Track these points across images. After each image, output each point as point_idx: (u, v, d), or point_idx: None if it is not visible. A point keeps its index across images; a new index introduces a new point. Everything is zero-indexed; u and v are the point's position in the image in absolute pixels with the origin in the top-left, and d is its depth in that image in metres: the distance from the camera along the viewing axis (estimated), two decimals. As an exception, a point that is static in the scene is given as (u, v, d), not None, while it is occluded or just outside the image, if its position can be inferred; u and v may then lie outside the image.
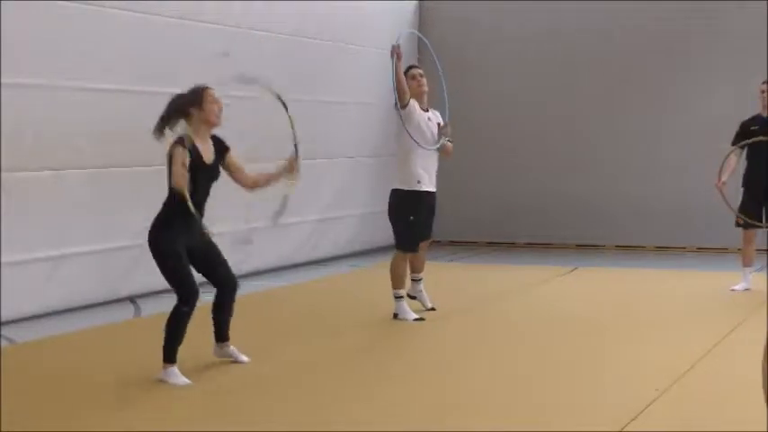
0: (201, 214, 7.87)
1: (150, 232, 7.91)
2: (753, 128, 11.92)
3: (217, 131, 8.09)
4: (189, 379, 7.83)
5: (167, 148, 7.82)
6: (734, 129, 12.18)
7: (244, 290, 10.75)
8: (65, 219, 10.89)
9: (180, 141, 7.74)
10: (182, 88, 11.79)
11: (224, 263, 8.20)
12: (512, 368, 8.40)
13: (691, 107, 16.37)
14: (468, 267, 14.64)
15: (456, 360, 8.78)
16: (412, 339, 9.68)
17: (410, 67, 10.56)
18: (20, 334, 9.84)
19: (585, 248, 16.69)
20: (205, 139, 7.94)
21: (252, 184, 8.34)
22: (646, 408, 7.05)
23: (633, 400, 7.21)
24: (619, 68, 16.75)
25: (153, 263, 11.30)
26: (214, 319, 8.33)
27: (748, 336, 9.30)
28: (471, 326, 10.28)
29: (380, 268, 14.48)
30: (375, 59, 16.38)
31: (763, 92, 11.95)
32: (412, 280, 10.82)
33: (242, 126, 10.96)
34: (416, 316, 10.36)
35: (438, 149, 10.39)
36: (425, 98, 10.49)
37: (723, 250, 15.70)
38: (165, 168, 7.91)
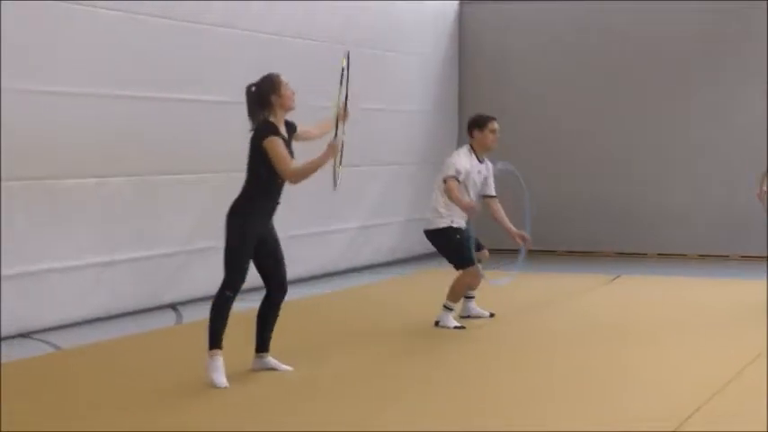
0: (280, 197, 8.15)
1: (231, 213, 8.05)
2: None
3: None
4: (229, 383, 7.87)
5: (252, 136, 8.02)
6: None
7: (287, 297, 10.81)
8: (109, 226, 10.96)
9: (271, 131, 7.96)
10: (224, 96, 11.94)
11: (284, 266, 8.33)
12: (553, 376, 8.36)
13: (734, 115, 16.27)
14: (509, 275, 14.59)
15: (497, 367, 8.76)
16: (453, 347, 9.66)
17: (491, 119, 10.58)
18: (65, 340, 9.92)
19: (627, 256, 16.62)
20: (281, 122, 8.14)
21: (318, 133, 8.68)
22: (687, 419, 7.00)
23: (674, 411, 7.17)
24: (662, 75, 16.67)
25: (195, 270, 11.42)
26: (258, 325, 8.36)
27: (792, 345, 9.24)
28: (514, 334, 10.25)
29: (422, 275, 14.53)
30: (416, 66, 16.42)
31: None
32: (465, 297, 10.82)
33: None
34: (457, 324, 10.36)
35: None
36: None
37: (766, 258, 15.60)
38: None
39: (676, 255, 16.57)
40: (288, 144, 8.09)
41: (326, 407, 7.42)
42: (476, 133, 10.56)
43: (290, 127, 8.26)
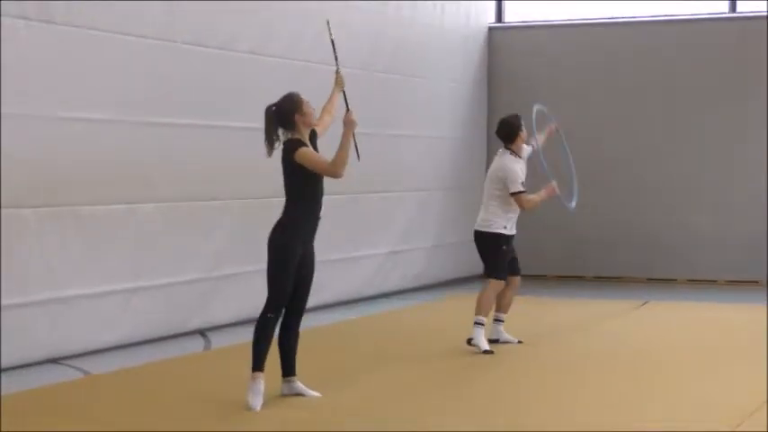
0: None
1: (274, 234, 8.14)
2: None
3: None
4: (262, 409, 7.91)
5: (283, 153, 8.15)
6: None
7: (314, 322, 10.80)
8: (137, 251, 11.01)
9: (299, 144, 8.11)
10: (253, 122, 11.99)
11: (309, 291, 8.37)
12: (580, 402, 8.35)
13: (762, 138, 16.22)
14: (537, 301, 14.58)
15: (525, 392, 8.76)
16: (481, 372, 9.65)
17: (520, 121, 10.98)
18: (93, 366, 9.95)
19: (656, 282, 16.58)
20: (307, 137, 8.24)
21: (329, 118, 8.82)
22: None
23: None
24: (692, 100, 16.65)
25: (223, 296, 11.46)
26: (280, 350, 8.37)
27: (822, 372, 9.18)
28: (542, 359, 10.23)
29: (450, 301, 14.52)
30: (445, 92, 16.45)
31: None
32: (494, 320, 10.86)
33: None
34: (488, 347, 10.37)
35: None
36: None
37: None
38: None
39: (706, 280, 16.50)
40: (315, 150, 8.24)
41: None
42: (519, 136, 10.85)
43: (312, 134, 8.38)
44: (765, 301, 14.10)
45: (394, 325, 12.64)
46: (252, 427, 7.59)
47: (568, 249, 17.16)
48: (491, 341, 10.64)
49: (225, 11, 11.96)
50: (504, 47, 17.67)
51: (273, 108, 8.23)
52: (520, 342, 10.87)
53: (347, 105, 8.53)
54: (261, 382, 8.00)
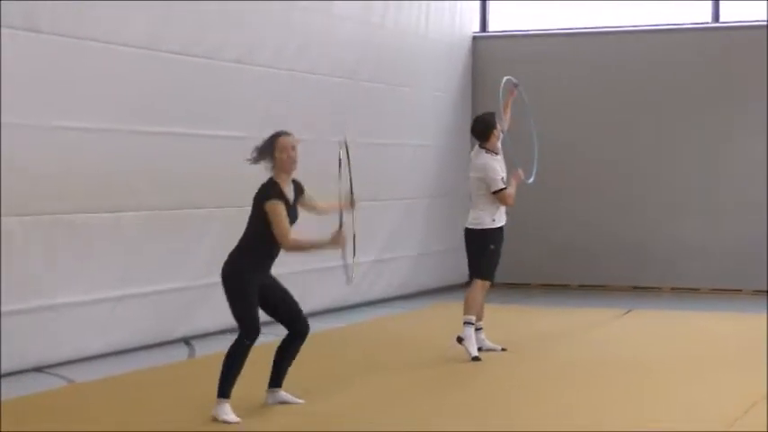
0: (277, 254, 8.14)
1: (227, 267, 8.08)
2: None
3: None
4: (240, 417, 7.89)
5: (257, 194, 8.07)
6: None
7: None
8: (123, 260, 11.02)
9: (275, 194, 7.98)
10: (239, 131, 12.05)
11: (297, 305, 8.33)
12: (564, 409, 8.38)
13: (747, 147, 16.29)
14: (522, 309, 14.62)
15: (510, 399, 8.79)
16: (466, 379, 9.69)
17: (494, 119, 10.96)
18: (79, 374, 9.96)
19: (640, 291, 16.63)
20: (285, 181, 8.13)
21: (325, 208, 8.61)
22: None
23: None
24: (673, 108, 16.72)
25: (209, 304, 11.46)
26: (275, 361, 8.39)
27: (805, 379, 9.23)
28: (528, 367, 10.26)
29: (435, 309, 14.54)
30: (429, 100, 16.49)
31: None
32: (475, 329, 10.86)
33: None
34: (476, 354, 10.41)
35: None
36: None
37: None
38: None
39: (689, 289, 16.56)
40: (292, 206, 8.11)
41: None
42: (493, 133, 10.85)
43: (297, 187, 8.25)
44: (749, 310, 14.19)
45: (380, 333, 12.67)
46: (238, 435, 7.62)
47: (553, 258, 17.20)
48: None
49: (211, 21, 11.98)
50: (489, 56, 17.71)
51: (259, 145, 8.17)
52: (504, 350, 10.89)
53: (341, 223, 8.39)
54: (226, 405, 7.91)
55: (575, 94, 17.25)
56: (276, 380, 8.43)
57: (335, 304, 14.33)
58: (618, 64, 17.01)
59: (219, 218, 11.99)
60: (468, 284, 11.08)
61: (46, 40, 10.04)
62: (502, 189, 10.61)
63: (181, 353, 11.23)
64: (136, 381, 9.70)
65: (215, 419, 7.87)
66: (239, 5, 12.42)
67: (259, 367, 8.42)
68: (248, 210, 8.21)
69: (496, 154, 10.84)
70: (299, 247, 8.09)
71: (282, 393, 8.43)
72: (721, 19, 16.71)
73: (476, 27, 17.83)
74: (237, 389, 8.01)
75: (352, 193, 8.44)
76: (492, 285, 10.85)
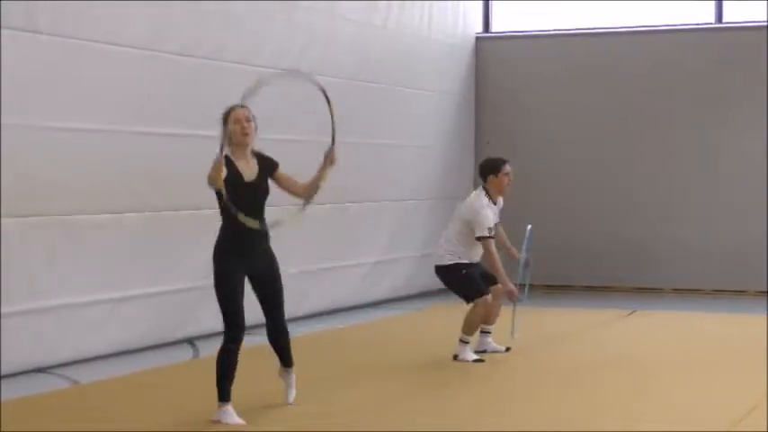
0: (264, 231, 7.93)
1: (212, 257, 7.96)
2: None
3: None
4: (244, 420, 7.87)
5: None
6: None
7: (300, 331, 10.82)
8: (124, 261, 11.02)
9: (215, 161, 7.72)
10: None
11: (280, 307, 8.16)
12: (567, 409, 8.38)
13: (749, 149, 16.28)
14: (525, 310, 14.59)
15: (513, 401, 8.79)
16: (469, 380, 9.68)
17: (505, 162, 10.72)
18: (82, 375, 9.96)
19: (643, 291, 16.62)
20: (242, 156, 7.91)
21: (303, 192, 8.16)
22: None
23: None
24: (674, 109, 16.72)
25: (212, 305, 11.46)
26: (271, 345, 8.33)
27: (808, 380, 9.22)
28: (530, 368, 10.26)
29: (437, 310, 14.53)
30: (432, 101, 16.50)
31: None
32: (481, 332, 10.83)
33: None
34: (476, 357, 10.40)
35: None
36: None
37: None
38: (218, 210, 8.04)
39: (691, 290, 16.55)
40: (253, 182, 7.87)
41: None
42: (490, 178, 10.63)
43: (264, 161, 8.03)
44: (752, 311, 14.18)
45: (381, 334, 12.66)
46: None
47: (556, 259, 17.18)
48: (478, 352, 10.66)
49: (212, 21, 11.98)
50: (492, 56, 17.71)
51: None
52: (508, 349, 10.88)
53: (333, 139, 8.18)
54: (228, 407, 7.87)
55: (578, 94, 17.24)
56: (283, 359, 8.35)
57: (337, 306, 14.32)
58: (621, 64, 17.00)
59: (220, 219, 11.98)
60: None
61: (45, 43, 10.04)
62: (487, 237, 10.38)
63: (185, 353, 11.23)
64: (140, 381, 9.70)
65: (218, 422, 7.86)
66: (241, 6, 12.42)
67: (257, 368, 8.41)
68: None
69: (494, 203, 10.66)
70: (211, 175, 7.64)
71: (291, 378, 8.39)
72: (724, 20, 16.69)
73: (479, 28, 17.82)
74: (240, 389, 8.00)
75: (333, 143, 8.17)
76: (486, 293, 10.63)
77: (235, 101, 8.10)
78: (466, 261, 10.48)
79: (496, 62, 17.68)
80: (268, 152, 8.18)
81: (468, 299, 10.53)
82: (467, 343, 10.45)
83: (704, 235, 16.56)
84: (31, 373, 9.94)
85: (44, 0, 9.99)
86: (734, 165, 16.41)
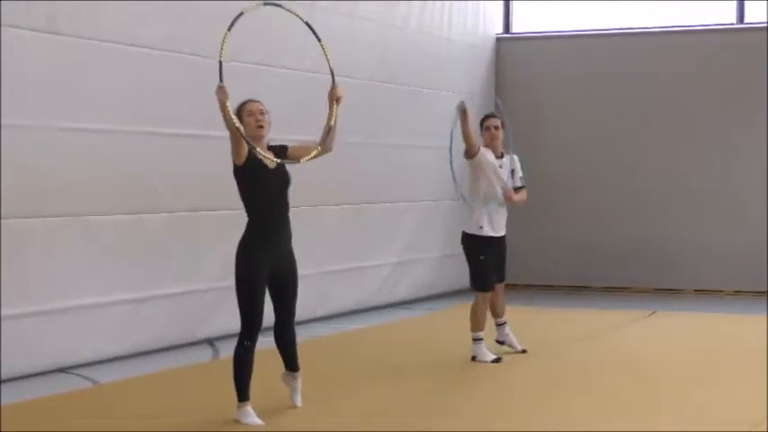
0: (286, 229, 7.97)
1: (237, 252, 7.95)
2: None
3: None
4: (263, 420, 7.88)
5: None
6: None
7: (321, 332, 10.81)
8: (145, 261, 11.05)
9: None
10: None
11: (291, 309, 8.15)
12: (588, 413, 8.36)
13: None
14: (545, 311, 14.60)
15: (532, 402, 8.77)
16: (487, 381, 9.68)
17: (486, 117, 10.69)
18: (102, 375, 9.99)
19: (663, 292, 16.58)
20: (260, 147, 7.89)
21: (321, 144, 8.11)
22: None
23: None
24: (695, 110, 16.67)
25: (231, 305, 11.47)
26: (278, 347, 8.31)
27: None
28: (549, 369, 10.24)
29: (458, 311, 14.51)
30: (451, 103, 16.46)
31: None
32: (497, 325, 10.86)
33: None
34: (494, 357, 10.40)
35: (499, 204, 10.47)
36: (500, 145, 10.59)
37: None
38: (240, 210, 8.07)
39: (713, 291, 16.50)
40: (275, 170, 7.88)
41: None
42: (482, 133, 10.70)
43: (279, 149, 8.02)
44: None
45: (402, 335, 12.66)
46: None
47: (576, 260, 17.17)
48: (498, 342, 10.67)
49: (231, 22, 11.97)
50: (512, 57, 17.71)
51: None
52: (524, 351, 10.86)
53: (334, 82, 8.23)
54: (248, 407, 7.88)
55: (598, 94, 17.21)
56: (287, 363, 8.34)
57: (357, 306, 14.34)
58: (641, 65, 16.97)
59: (240, 218, 11.99)
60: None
61: (63, 44, 10.08)
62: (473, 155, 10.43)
63: (205, 354, 11.25)
64: (160, 382, 9.73)
65: (238, 422, 7.87)
66: (260, 6, 12.41)
67: (273, 370, 8.42)
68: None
69: (498, 157, 10.64)
70: (230, 130, 7.70)
71: (296, 383, 8.36)
72: (746, 20, 16.65)
73: (499, 28, 17.82)
74: (259, 389, 8.01)
75: (333, 80, 8.38)
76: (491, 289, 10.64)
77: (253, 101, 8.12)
78: (485, 235, 10.42)
79: (516, 63, 17.68)
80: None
81: (472, 285, 10.58)
82: (480, 340, 10.45)
83: (725, 236, 16.51)
84: (51, 374, 9.98)
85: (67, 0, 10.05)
86: (754, 165, 16.35)
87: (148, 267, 11.08)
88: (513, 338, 10.87)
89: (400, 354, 11.14)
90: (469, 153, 10.46)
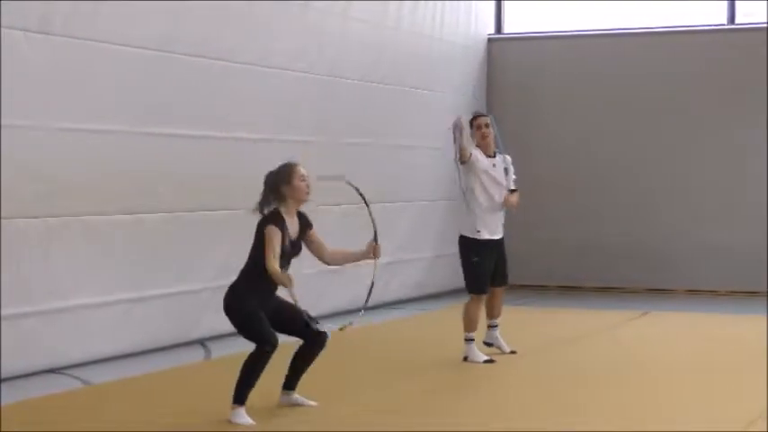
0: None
1: (228, 298, 8.02)
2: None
3: None
4: (255, 420, 7.89)
5: (259, 220, 8.02)
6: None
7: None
8: (139, 262, 11.04)
9: (273, 220, 7.92)
10: (255, 133, 12.07)
11: (299, 321, 8.19)
12: (582, 413, 8.36)
13: (763, 149, 16.24)
14: (538, 311, 14.61)
15: (525, 402, 8.78)
16: (481, 382, 9.68)
17: (476, 116, 10.68)
18: (95, 375, 9.98)
19: (656, 293, 16.59)
20: (292, 214, 8.08)
21: (332, 261, 8.53)
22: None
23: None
24: (690, 111, 16.69)
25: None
26: (292, 365, 8.38)
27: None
28: (543, 369, 10.25)
29: (450, 311, 14.51)
30: (444, 103, 16.48)
31: None
32: (488, 326, 10.83)
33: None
34: (486, 357, 10.39)
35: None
36: (491, 143, 10.58)
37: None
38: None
39: (705, 291, 16.52)
40: (294, 240, 8.04)
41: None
42: (473, 133, 10.64)
43: (303, 220, 8.19)
44: (766, 312, 14.14)
45: (394, 335, 12.66)
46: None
47: (568, 260, 17.19)
48: (486, 344, 10.66)
49: (226, 23, 12.00)
50: (504, 58, 17.71)
51: (269, 175, 8.12)
52: (513, 352, 10.81)
53: (375, 235, 8.46)
54: (242, 410, 7.91)
55: (590, 95, 17.23)
56: (291, 382, 8.42)
57: (350, 306, 14.31)
58: (634, 65, 16.99)
59: (237, 220, 11.99)
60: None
61: (62, 45, 10.07)
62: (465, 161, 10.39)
63: (197, 354, 11.24)
64: (152, 382, 9.71)
65: (230, 423, 7.87)
66: (254, 7, 12.43)
67: (274, 369, 8.41)
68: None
69: (489, 156, 10.59)
70: (274, 276, 7.82)
71: (296, 396, 8.43)
72: (737, 21, 16.67)
73: (491, 29, 17.82)
74: (254, 391, 8.01)
75: (376, 240, 8.49)
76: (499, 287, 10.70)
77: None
78: (481, 238, 10.41)
79: (508, 63, 17.68)
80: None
81: (467, 287, 10.56)
82: (471, 340, 10.45)
83: (718, 236, 16.52)
84: (43, 374, 9.96)
85: (64, 0, 10.04)
86: (749, 165, 16.36)
87: (143, 267, 11.07)
88: (501, 341, 10.84)
89: (395, 354, 11.14)
90: (462, 159, 10.42)
